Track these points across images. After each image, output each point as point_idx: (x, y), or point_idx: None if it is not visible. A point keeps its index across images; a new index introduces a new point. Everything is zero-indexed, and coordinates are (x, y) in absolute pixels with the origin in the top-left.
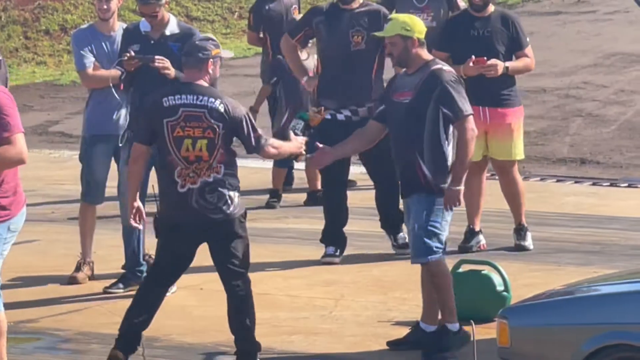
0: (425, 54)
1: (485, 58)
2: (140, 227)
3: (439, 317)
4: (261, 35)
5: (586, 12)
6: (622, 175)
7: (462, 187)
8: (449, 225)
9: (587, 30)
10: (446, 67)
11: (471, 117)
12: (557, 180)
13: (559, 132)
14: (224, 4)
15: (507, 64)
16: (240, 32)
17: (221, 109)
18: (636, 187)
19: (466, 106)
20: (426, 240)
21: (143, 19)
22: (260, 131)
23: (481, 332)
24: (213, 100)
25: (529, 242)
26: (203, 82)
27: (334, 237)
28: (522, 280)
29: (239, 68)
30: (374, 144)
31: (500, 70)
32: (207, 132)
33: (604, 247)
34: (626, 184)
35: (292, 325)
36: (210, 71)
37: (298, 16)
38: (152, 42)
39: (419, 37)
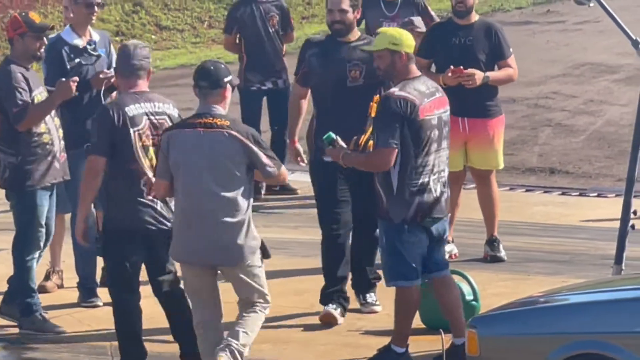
0: (412, 70)
1: (462, 67)
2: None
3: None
4: (237, 40)
5: (555, 22)
6: (591, 185)
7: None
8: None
9: (556, 40)
10: (397, 92)
11: (384, 150)
12: (526, 190)
13: (528, 142)
14: (193, 13)
15: (488, 73)
16: (209, 41)
17: (175, 113)
18: (605, 197)
19: (381, 139)
20: (388, 265)
21: (66, 29)
22: None
23: (429, 339)
24: (168, 105)
25: (503, 253)
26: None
27: (334, 292)
28: (491, 290)
29: None
30: None
31: (479, 81)
32: None
33: (572, 256)
34: (595, 194)
35: (261, 334)
36: (149, 78)
37: (276, 26)
38: (88, 52)
39: (407, 51)
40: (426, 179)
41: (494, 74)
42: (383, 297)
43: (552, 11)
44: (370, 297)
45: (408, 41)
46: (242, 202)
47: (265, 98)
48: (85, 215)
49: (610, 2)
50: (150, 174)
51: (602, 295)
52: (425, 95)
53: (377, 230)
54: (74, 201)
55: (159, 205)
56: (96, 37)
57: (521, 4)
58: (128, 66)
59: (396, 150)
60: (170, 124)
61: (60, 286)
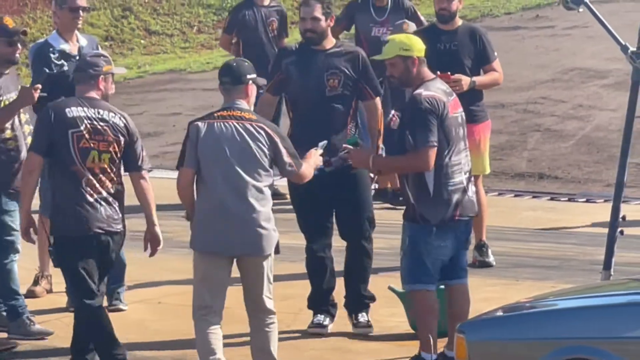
0: (425, 73)
1: (449, 73)
2: (35, 242)
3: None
4: (234, 40)
5: (545, 27)
6: (580, 190)
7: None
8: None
9: (545, 45)
10: (425, 92)
11: (425, 150)
12: (516, 195)
13: (518, 147)
14: (182, 18)
15: (475, 78)
16: (199, 47)
17: (121, 123)
18: (594, 202)
19: (420, 139)
20: (408, 268)
21: (53, 34)
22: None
23: (438, 346)
24: (113, 114)
25: (491, 258)
26: (97, 97)
27: (321, 302)
28: (480, 295)
29: (198, 82)
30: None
31: (466, 86)
32: (112, 146)
33: (562, 262)
34: (584, 199)
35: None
36: (102, 87)
37: (274, 31)
38: (76, 57)
39: (418, 55)
40: (460, 178)
41: (480, 79)
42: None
43: (541, 16)
44: (363, 317)
45: (418, 45)
46: (267, 193)
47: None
48: (26, 211)
49: (599, 7)
50: (88, 175)
51: (591, 301)
52: (447, 93)
53: (369, 245)
54: None
55: (103, 207)
56: (83, 41)
57: (510, 9)
58: (79, 74)
59: (436, 148)
60: (114, 132)
61: (49, 291)
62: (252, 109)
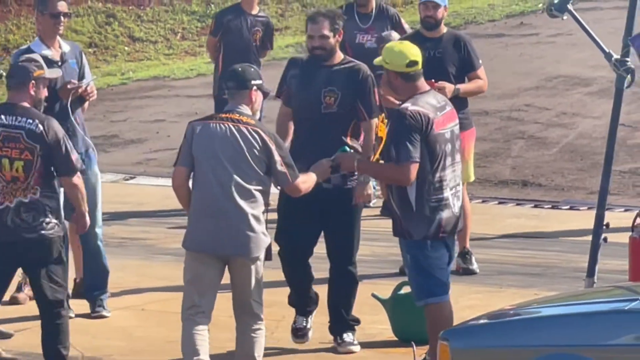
0: (417, 86)
1: (433, 80)
2: None
3: None
4: (219, 44)
5: (529, 34)
6: (564, 197)
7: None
8: (446, 262)
9: (529, 52)
10: (411, 107)
11: (406, 165)
12: (499, 202)
13: (501, 154)
14: (166, 25)
15: (459, 86)
16: (182, 53)
17: (38, 130)
18: (577, 209)
19: (402, 154)
20: (417, 284)
21: (35, 40)
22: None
23: (422, 354)
24: (31, 121)
25: (475, 266)
26: (26, 104)
27: (301, 302)
28: (463, 302)
29: (181, 89)
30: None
31: (450, 93)
32: (24, 153)
33: (545, 269)
34: (568, 206)
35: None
36: (33, 92)
37: (257, 41)
38: (59, 63)
39: (397, 70)
40: (445, 194)
41: (464, 86)
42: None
43: (526, 24)
44: (348, 336)
45: (398, 60)
46: (259, 198)
47: None
48: None
49: (583, 14)
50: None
51: (574, 308)
52: (437, 108)
53: (355, 270)
54: None
55: (10, 217)
56: (66, 48)
57: (494, 16)
58: (10, 80)
59: (417, 164)
60: (28, 140)
61: (32, 298)
62: (258, 115)
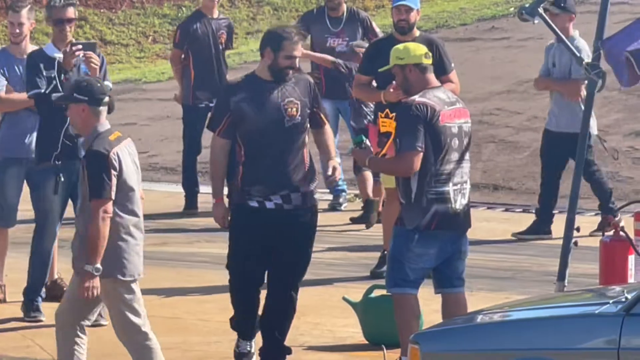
0: (428, 80)
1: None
2: None
3: None
4: (183, 55)
5: (500, 38)
6: (535, 201)
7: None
8: (426, 260)
9: (500, 56)
10: (418, 99)
11: (409, 154)
12: (470, 206)
13: (472, 158)
14: (138, 28)
15: None
16: (154, 56)
17: None
18: None
19: (405, 143)
20: (389, 271)
21: (49, 44)
22: None
23: (393, 357)
24: None
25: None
26: None
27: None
28: (434, 306)
29: (153, 92)
30: None
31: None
32: None
33: (516, 273)
34: None
35: (204, 350)
36: None
37: (223, 44)
38: (70, 70)
39: (415, 62)
40: (446, 188)
41: None
42: (323, 314)
43: (497, 27)
44: None
45: (415, 52)
46: None
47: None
48: None
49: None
50: None
51: (545, 312)
52: (446, 103)
53: (296, 295)
54: (42, 214)
55: None
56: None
57: (466, 20)
58: None
59: (421, 153)
60: None
61: (3, 300)
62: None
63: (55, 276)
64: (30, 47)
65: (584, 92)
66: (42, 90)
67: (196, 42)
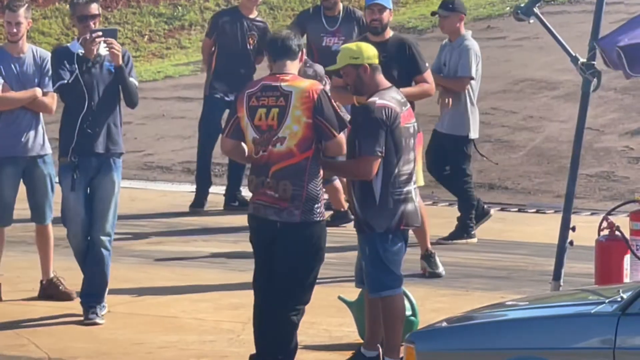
0: (380, 81)
1: None
2: None
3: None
4: (213, 48)
5: (496, 38)
6: (530, 201)
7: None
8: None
9: (496, 56)
10: (379, 101)
11: (369, 159)
12: None
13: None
14: (134, 27)
15: (401, 90)
16: (150, 55)
17: None
18: (544, 212)
19: (365, 147)
20: (373, 276)
21: (74, 41)
22: None
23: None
24: None
25: (441, 269)
26: None
27: None
28: (429, 305)
29: (149, 91)
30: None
31: None
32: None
33: (511, 272)
34: (534, 210)
35: (199, 349)
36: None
37: (253, 45)
38: (89, 62)
39: (369, 62)
40: (409, 187)
41: (406, 90)
42: (318, 313)
43: (493, 27)
44: None
45: (368, 52)
46: None
47: (227, 110)
48: None
49: (550, 18)
50: None
51: (540, 311)
52: (402, 104)
53: (292, 314)
54: (62, 214)
55: None
56: (103, 51)
57: None
58: None
59: (380, 158)
60: None
61: None
62: None
63: (51, 275)
64: (27, 46)
65: (466, 91)
66: (66, 81)
67: (223, 35)
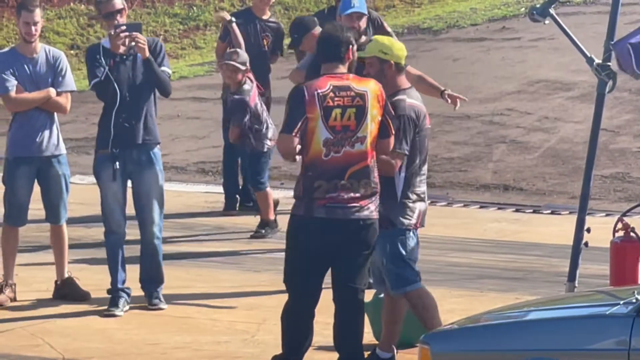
0: (402, 81)
1: None
2: None
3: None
4: (228, 49)
5: (511, 38)
6: (545, 201)
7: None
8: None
9: (511, 56)
10: (409, 100)
11: (396, 155)
12: (481, 207)
13: (483, 158)
14: (148, 27)
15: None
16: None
17: None
18: (559, 213)
19: (401, 145)
20: (396, 273)
21: (104, 39)
22: None
23: (404, 358)
24: None
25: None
26: None
27: None
28: (444, 306)
29: None
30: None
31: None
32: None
33: (526, 273)
34: (549, 211)
35: (214, 350)
36: None
37: (267, 46)
38: (123, 56)
39: (396, 61)
40: (424, 188)
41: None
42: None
43: (508, 28)
44: None
45: (398, 52)
46: None
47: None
48: None
49: (565, 19)
50: None
51: (555, 313)
52: (423, 105)
53: (360, 306)
54: (102, 208)
55: None
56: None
57: (476, 20)
58: None
59: (405, 156)
60: None
61: (13, 299)
62: None
63: (66, 275)
64: (40, 46)
65: None
66: (99, 78)
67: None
